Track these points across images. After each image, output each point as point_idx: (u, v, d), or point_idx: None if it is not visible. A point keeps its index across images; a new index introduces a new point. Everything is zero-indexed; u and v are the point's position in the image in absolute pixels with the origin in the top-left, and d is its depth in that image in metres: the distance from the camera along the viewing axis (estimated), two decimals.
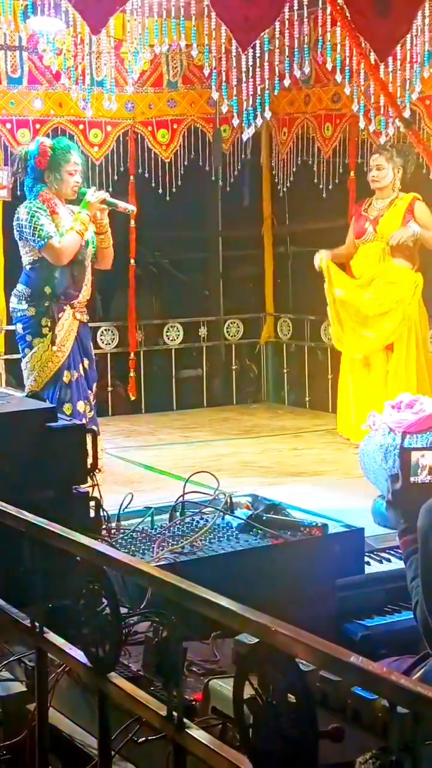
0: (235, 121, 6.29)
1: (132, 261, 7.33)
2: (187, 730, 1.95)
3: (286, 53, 5.78)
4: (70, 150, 5.33)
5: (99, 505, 3.54)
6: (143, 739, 2.43)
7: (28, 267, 5.26)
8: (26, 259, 5.26)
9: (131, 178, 7.13)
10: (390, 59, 5.17)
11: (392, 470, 3.37)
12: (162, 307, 8.16)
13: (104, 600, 2.18)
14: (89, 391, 5.39)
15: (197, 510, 3.94)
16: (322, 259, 6.33)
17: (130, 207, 5.67)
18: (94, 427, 4.92)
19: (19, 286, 5.31)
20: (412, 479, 2.92)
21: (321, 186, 7.06)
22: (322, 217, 7.52)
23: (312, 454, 6.15)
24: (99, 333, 7.38)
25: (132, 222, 7.05)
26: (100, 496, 3.55)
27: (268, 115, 6.29)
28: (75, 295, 5.29)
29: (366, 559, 3.92)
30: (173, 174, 7.12)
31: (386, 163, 6.13)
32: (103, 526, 3.66)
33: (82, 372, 5.35)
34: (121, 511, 3.88)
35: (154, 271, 8.14)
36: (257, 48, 5.63)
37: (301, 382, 7.78)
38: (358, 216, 6.37)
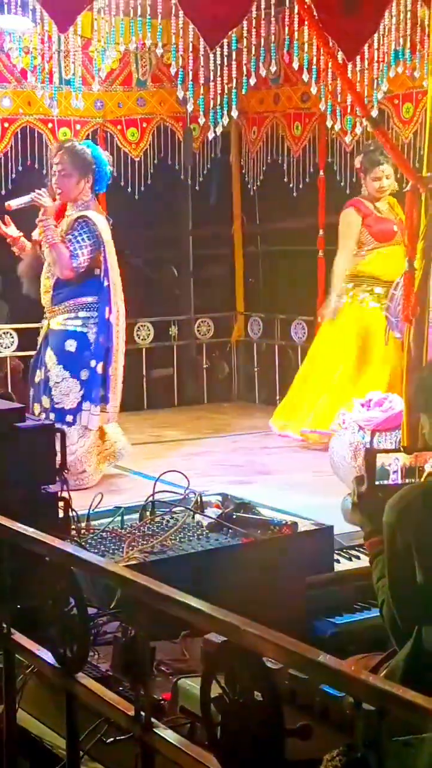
0: (202, 120, 6.27)
1: None
2: (155, 729, 1.95)
3: (254, 52, 5.78)
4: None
5: (68, 506, 3.53)
6: (112, 739, 2.43)
7: None
8: None
9: None
10: (357, 58, 5.18)
11: (359, 471, 3.36)
12: (132, 307, 8.10)
13: (72, 600, 2.17)
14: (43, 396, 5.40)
15: (167, 509, 3.94)
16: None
17: (26, 199, 5.50)
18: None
19: None
20: (376, 482, 2.88)
21: (291, 185, 7.05)
22: (292, 216, 7.52)
23: (282, 453, 6.16)
24: None
25: None
26: (69, 496, 3.55)
27: (235, 113, 6.29)
28: (38, 300, 5.59)
29: (335, 556, 3.94)
30: (143, 173, 7.09)
31: (393, 169, 5.94)
32: (73, 527, 3.65)
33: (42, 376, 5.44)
34: (91, 511, 3.87)
35: (124, 270, 8.10)
36: (225, 47, 5.63)
37: (271, 380, 7.79)
38: (376, 219, 6.07)
